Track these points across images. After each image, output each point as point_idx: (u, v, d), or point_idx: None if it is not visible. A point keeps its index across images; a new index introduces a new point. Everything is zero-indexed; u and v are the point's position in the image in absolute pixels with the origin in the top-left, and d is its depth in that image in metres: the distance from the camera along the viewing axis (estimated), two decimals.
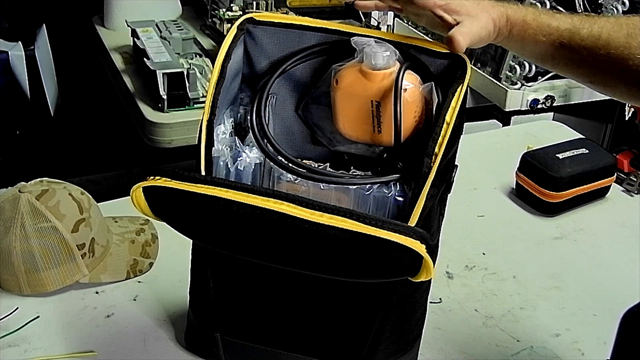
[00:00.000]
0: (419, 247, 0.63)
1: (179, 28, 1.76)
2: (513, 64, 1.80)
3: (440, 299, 1.02)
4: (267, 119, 0.82)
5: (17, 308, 0.93)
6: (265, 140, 0.80)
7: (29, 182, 0.98)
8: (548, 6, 1.74)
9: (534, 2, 1.74)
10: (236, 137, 0.83)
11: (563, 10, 1.70)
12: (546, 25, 0.81)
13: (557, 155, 1.24)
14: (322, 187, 0.79)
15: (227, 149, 0.80)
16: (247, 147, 0.82)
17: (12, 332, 0.90)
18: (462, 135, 0.79)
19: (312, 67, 0.84)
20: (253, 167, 0.81)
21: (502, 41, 0.83)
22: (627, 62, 0.78)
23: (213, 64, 0.87)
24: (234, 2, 1.82)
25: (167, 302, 0.98)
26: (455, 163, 0.80)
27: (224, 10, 1.81)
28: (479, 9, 0.80)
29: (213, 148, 0.75)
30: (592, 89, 0.86)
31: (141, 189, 0.69)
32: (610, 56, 0.79)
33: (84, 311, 0.96)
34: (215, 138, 0.76)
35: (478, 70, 1.88)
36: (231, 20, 1.78)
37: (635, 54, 0.78)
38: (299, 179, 0.79)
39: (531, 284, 1.07)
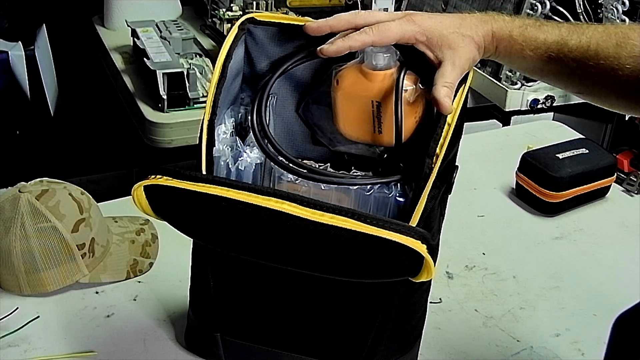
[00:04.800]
0: (420, 247, 0.63)
1: (179, 28, 1.76)
2: None
3: (440, 299, 1.02)
4: (267, 119, 0.82)
5: (17, 308, 0.93)
6: (266, 141, 0.80)
7: (29, 182, 0.98)
8: (548, 6, 1.73)
9: (534, 1, 1.74)
10: (237, 137, 0.83)
11: (563, 10, 1.72)
12: (533, 39, 0.78)
13: (557, 155, 1.24)
14: (322, 188, 0.79)
15: (228, 148, 0.80)
16: (247, 147, 0.82)
17: (12, 332, 0.90)
18: (462, 136, 0.79)
19: (313, 67, 0.84)
20: (254, 167, 0.81)
21: (489, 57, 0.81)
22: (617, 72, 0.76)
23: (213, 64, 0.87)
24: (234, 2, 1.82)
25: (167, 302, 0.98)
26: (456, 164, 0.80)
27: (224, 10, 1.81)
28: (460, 38, 0.77)
29: (214, 148, 0.75)
30: (583, 99, 0.84)
31: (142, 187, 0.69)
32: (600, 67, 0.76)
33: (84, 311, 0.96)
34: (216, 138, 0.76)
35: (478, 70, 1.88)
36: (231, 20, 1.78)
37: (625, 65, 0.75)
38: (300, 179, 0.79)
39: (531, 284, 1.07)
